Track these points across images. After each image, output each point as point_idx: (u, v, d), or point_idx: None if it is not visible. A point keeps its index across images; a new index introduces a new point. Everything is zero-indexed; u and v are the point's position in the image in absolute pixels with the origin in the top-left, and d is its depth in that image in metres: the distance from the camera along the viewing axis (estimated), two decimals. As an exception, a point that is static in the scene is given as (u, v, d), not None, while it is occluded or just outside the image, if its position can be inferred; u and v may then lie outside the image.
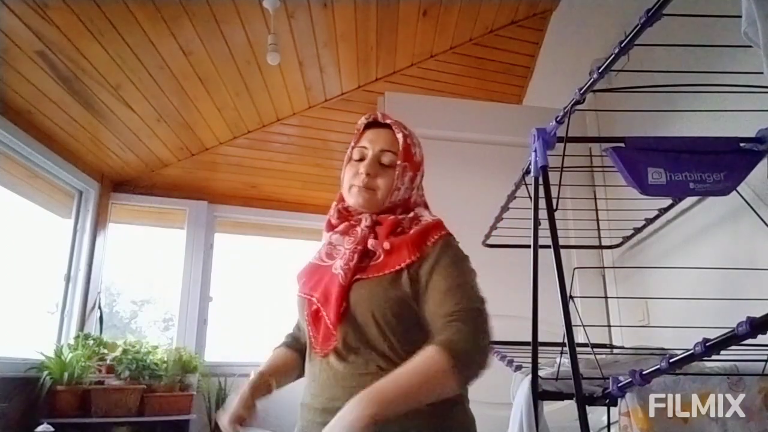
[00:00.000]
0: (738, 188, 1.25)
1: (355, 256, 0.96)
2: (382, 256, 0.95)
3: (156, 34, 2.28)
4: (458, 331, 0.85)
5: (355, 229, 1.01)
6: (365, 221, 1.01)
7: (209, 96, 2.79)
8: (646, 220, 1.78)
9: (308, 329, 0.98)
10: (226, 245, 3.63)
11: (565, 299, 1.13)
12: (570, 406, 1.07)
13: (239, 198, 3.62)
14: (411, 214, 1.03)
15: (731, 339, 0.77)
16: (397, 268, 0.93)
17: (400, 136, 1.03)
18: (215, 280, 3.47)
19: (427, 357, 0.82)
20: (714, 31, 1.48)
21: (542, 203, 1.28)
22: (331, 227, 1.07)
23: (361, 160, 1.03)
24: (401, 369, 0.82)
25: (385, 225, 0.99)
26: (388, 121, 1.05)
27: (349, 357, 0.91)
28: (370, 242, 0.97)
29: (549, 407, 1.27)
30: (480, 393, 1.45)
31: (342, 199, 1.08)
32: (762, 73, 0.81)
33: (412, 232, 0.97)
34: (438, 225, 0.99)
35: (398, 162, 1.02)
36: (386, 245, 0.96)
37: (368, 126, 1.07)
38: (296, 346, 1.11)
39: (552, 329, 1.30)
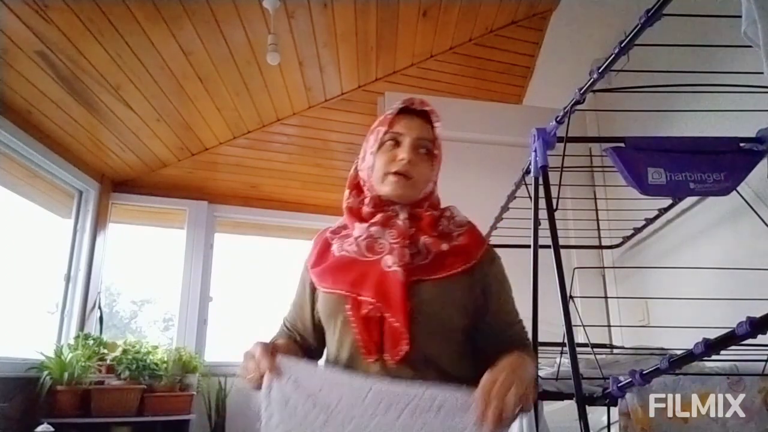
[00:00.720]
0: (738, 188, 1.25)
1: (407, 252, 0.88)
2: (432, 256, 0.90)
3: (156, 34, 2.28)
4: (530, 346, 0.93)
5: (394, 222, 0.92)
6: (403, 213, 0.94)
7: (209, 96, 2.79)
8: (646, 220, 1.78)
9: (353, 332, 0.86)
10: (226, 245, 3.63)
11: (565, 299, 1.13)
12: (570, 406, 1.07)
13: (239, 198, 3.62)
14: (446, 212, 0.99)
15: (731, 339, 0.77)
16: (460, 270, 0.89)
17: (438, 125, 0.98)
18: (215, 280, 3.47)
19: (532, 363, 0.85)
20: (714, 31, 1.48)
21: (542, 203, 1.29)
22: (362, 218, 0.95)
23: (396, 146, 0.96)
24: (519, 358, 0.80)
25: (427, 220, 0.94)
26: (426, 108, 0.99)
27: (414, 364, 0.83)
28: (423, 240, 0.91)
29: (549, 407, 1.27)
30: (480, 393, 1.45)
31: (358, 188, 1.00)
32: (762, 73, 0.81)
33: (465, 234, 0.95)
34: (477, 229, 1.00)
35: (435, 152, 0.98)
36: (444, 246, 0.91)
37: (400, 111, 0.99)
38: (302, 345, 1.00)
39: (552, 329, 1.30)
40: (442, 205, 1.03)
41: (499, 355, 0.82)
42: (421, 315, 0.84)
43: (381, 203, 0.96)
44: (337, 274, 0.91)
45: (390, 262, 0.87)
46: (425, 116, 0.99)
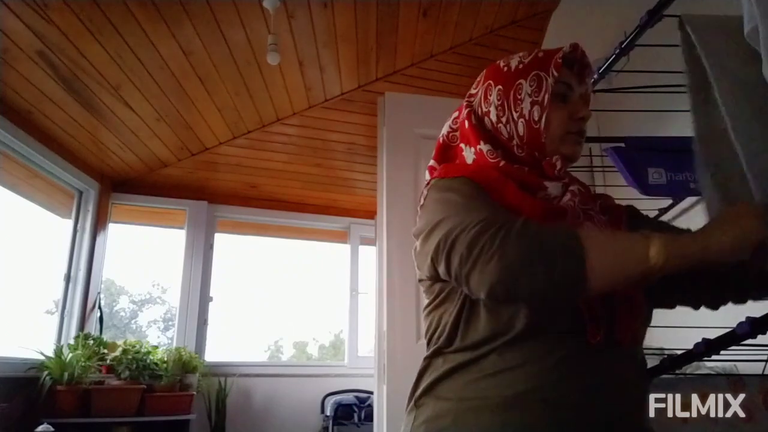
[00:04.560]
0: (738, 188, 1.25)
1: (602, 217, 0.81)
2: (610, 221, 0.83)
3: (156, 34, 2.28)
4: None
5: (569, 187, 0.81)
6: (567, 178, 0.83)
7: (209, 96, 2.79)
8: (646, 220, 1.78)
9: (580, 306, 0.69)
10: (226, 245, 3.63)
11: (566, 299, 1.13)
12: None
13: (239, 198, 3.62)
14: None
15: (731, 339, 0.77)
16: (626, 225, 0.84)
17: (590, 81, 0.87)
18: (215, 280, 3.47)
19: None
20: (714, 31, 1.48)
21: (542, 203, 1.28)
22: (549, 177, 0.80)
23: (563, 99, 0.82)
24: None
25: (585, 186, 0.86)
26: (587, 61, 0.85)
27: (634, 346, 0.75)
28: (599, 203, 0.84)
29: (549, 407, 1.27)
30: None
31: (494, 141, 0.82)
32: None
33: (599, 195, 0.89)
34: None
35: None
36: (608, 201, 0.87)
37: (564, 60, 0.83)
38: None
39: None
40: None
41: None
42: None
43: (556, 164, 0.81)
44: (551, 220, 0.74)
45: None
46: (578, 69, 0.85)
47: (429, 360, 0.77)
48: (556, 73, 0.79)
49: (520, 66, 0.83)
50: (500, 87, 0.83)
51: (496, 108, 0.82)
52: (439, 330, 0.76)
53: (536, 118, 0.79)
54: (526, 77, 0.81)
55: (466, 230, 0.67)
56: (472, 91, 0.88)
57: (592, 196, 0.84)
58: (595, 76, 1.15)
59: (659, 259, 0.62)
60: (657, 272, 0.63)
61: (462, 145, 0.86)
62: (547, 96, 0.79)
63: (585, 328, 0.68)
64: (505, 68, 0.84)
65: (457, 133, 0.88)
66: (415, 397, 0.76)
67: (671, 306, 0.87)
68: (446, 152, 0.89)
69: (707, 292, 0.83)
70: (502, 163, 0.80)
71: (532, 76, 0.81)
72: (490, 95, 0.83)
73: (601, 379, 0.67)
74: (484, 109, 0.84)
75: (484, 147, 0.82)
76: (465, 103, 0.88)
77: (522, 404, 0.66)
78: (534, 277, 0.63)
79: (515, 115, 0.80)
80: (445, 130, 0.90)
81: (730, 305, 0.79)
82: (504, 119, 0.81)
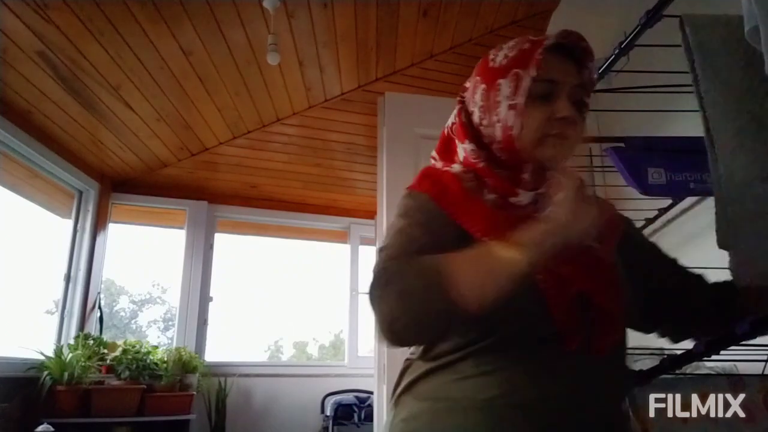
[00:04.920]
0: (738, 188, 1.25)
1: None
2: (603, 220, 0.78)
3: (156, 34, 2.28)
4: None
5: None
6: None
7: (209, 96, 2.79)
8: (646, 220, 1.78)
9: (539, 311, 0.68)
10: (226, 245, 3.63)
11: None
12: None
13: (239, 198, 3.62)
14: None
15: (731, 339, 0.77)
16: (617, 238, 0.80)
17: (592, 66, 0.78)
18: (215, 280, 3.47)
19: None
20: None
21: (542, 203, 1.28)
22: (521, 184, 0.76)
23: (546, 98, 0.75)
24: None
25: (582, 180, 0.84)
26: (584, 45, 0.77)
27: (618, 355, 0.74)
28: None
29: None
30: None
31: (477, 141, 0.79)
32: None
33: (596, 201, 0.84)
34: None
35: (587, 101, 0.79)
36: (608, 207, 0.81)
37: (550, 49, 0.76)
38: None
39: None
40: None
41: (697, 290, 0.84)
42: (625, 297, 0.73)
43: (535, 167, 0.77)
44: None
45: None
46: (577, 55, 0.77)
47: (410, 360, 0.78)
48: (534, 73, 0.73)
49: (504, 62, 0.78)
50: (484, 86, 0.80)
51: (479, 109, 0.80)
52: None
53: (510, 124, 0.75)
54: (506, 76, 0.77)
55: (373, 278, 0.70)
56: (466, 85, 0.87)
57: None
58: (595, 76, 1.15)
59: (518, 259, 0.62)
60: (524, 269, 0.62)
61: (457, 141, 0.85)
62: (522, 99, 0.75)
63: (562, 337, 0.67)
64: (491, 63, 0.80)
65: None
66: (396, 394, 0.77)
67: (646, 330, 0.89)
68: (448, 145, 0.88)
69: (680, 324, 0.87)
70: (481, 165, 0.78)
71: (512, 75, 0.76)
72: (476, 94, 0.81)
73: (575, 386, 0.66)
74: (471, 108, 0.82)
75: (468, 146, 0.80)
76: (459, 98, 0.87)
77: (495, 408, 0.65)
78: (409, 323, 0.64)
79: (494, 119, 0.77)
80: (449, 121, 0.89)
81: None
82: (485, 122, 0.79)
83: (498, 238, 0.66)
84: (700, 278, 0.88)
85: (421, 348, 0.76)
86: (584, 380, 0.67)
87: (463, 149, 0.81)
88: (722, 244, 0.71)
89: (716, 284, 0.86)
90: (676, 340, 0.87)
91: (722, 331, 0.80)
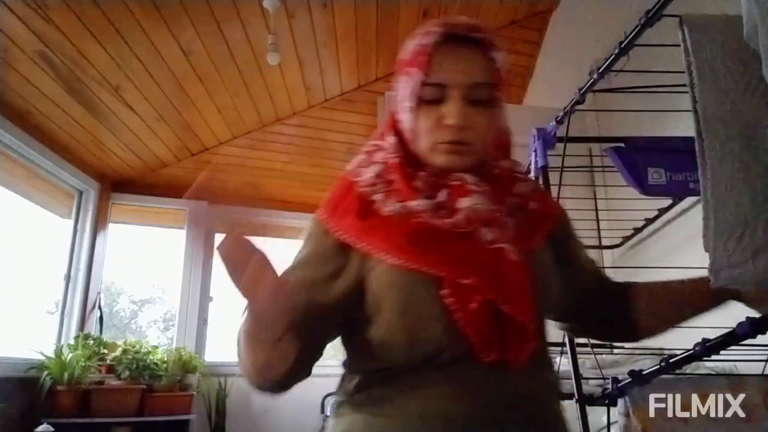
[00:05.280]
0: (738, 188, 1.25)
1: (508, 221, 0.69)
2: (523, 217, 0.73)
3: (156, 34, 2.28)
4: None
5: (465, 188, 0.70)
6: (470, 179, 0.70)
7: (209, 96, 2.79)
8: (646, 220, 1.78)
9: (451, 327, 0.63)
10: (226, 245, 3.63)
11: (565, 299, 1.13)
12: (570, 406, 1.07)
13: (239, 198, 3.62)
14: (507, 162, 0.78)
15: (731, 339, 0.77)
16: (545, 234, 0.75)
17: (498, 56, 0.69)
18: (215, 280, 3.47)
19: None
20: (714, 31, 1.48)
21: (542, 203, 1.28)
22: (415, 192, 0.70)
23: (439, 101, 0.69)
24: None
25: (505, 174, 0.75)
26: (479, 36, 0.69)
27: (536, 364, 0.68)
28: (510, 200, 0.73)
29: (549, 407, 1.27)
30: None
31: (401, 136, 0.74)
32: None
33: (530, 185, 0.80)
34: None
35: (499, 94, 0.70)
36: (533, 204, 0.75)
37: (440, 43, 0.68)
38: (305, 337, 0.67)
39: (552, 329, 1.30)
40: None
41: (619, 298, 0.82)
42: (538, 300, 0.67)
43: (437, 172, 0.72)
44: (416, 245, 0.65)
45: (490, 236, 0.66)
46: (478, 45, 0.69)
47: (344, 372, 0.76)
48: (421, 77, 0.68)
49: (406, 56, 0.71)
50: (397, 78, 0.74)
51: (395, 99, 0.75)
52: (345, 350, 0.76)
53: (408, 126, 0.72)
54: (403, 73, 0.71)
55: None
56: None
57: (505, 195, 0.73)
58: (595, 75, 1.15)
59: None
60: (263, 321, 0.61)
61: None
62: (411, 104, 0.70)
63: (476, 351, 0.63)
64: (401, 53, 0.73)
65: None
66: (335, 403, 0.75)
67: (578, 334, 0.89)
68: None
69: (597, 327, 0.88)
70: (394, 161, 0.73)
71: (406, 74, 0.70)
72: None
73: (497, 402, 0.63)
74: None
75: (390, 139, 0.75)
76: None
77: (419, 425, 0.63)
78: (253, 383, 0.67)
79: (401, 117, 0.73)
80: None
81: (730, 303, 0.78)
82: (399, 117, 0.74)
83: (401, 255, 0.64)
84: (616, 286, 0.86)
85: (344, 363, 0.75)
86: (505, 394, 0.63)
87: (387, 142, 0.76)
88: (707, 248, 0.71)
89: (625, 293, 0.83)
90: (580, 336, 0.88)
91: (624, 339, 0.83)
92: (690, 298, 0.78)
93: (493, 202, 0.69)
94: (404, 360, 0.65)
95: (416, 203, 0.68)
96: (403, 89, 0.71)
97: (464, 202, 0.67)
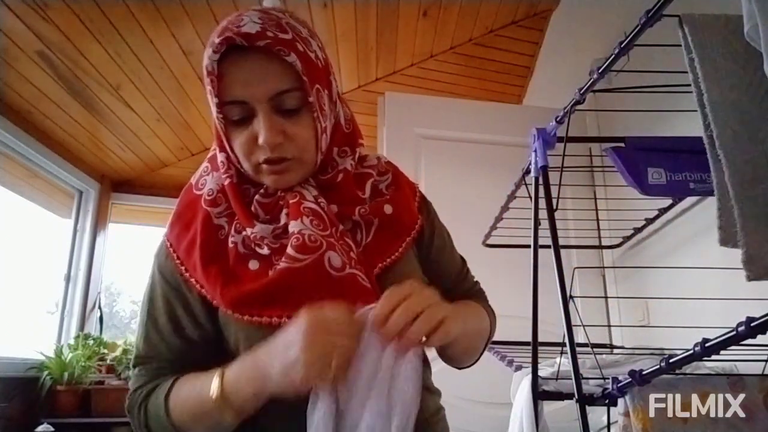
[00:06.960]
0: (738, 188, 1.25)
1: (350, 242, 0.65)
2: (375, 229, 0.69)
3: (156, 34, 2.28)
4: (486, 301, 0.83)
5: (303, 206, 0.65)
6: (309, 193, 0.67)
7: (209, 96, 2.79)
8: (646, 220, 1.78)
9: None
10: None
11: (565, 299, 1.13)
12: (570, 406, 1.07)
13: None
14: (355, 155, 0.73)
15: (731, 339, 0.77)
16: (412, 236, 0.72)
17: (292, 57, 0.61)
18: (215, 280, 3.47)
19: (484, 311, 0.77)
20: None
21: (542, 203, 1.28)
22: (251, 218, 0.66)
23: (249, 118, 0.64)
24: (468, 307, 0.72)
25: (346, 182, 0.70)
26: (260, 44, 0.60)
27: None
28: (358, 210, 0.69)
29: (549, 407, 1.27)
30: (480, 393, 1.45)
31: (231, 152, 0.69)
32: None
33: (392, 181, 0.75)
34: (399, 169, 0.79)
35: (310, 96, 0.63)
36: (388, 209, 0.70)
37: (226, 55, 0.63)
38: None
39: (552, 329, 1.30)
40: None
41: None
42: None
43: (273, 190, 0.68)
44: (259, 297, 0.61)
45: (338, 263, 0.62)
46: (269, 51, 0.61)
47: None
48: (216, 99, 0.63)
49: (203, 71, 0.65)
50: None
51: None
52: None
53: (226, 144, 0.68)
54: (206, 86, 0.65)
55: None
56: None
57: (352, 206, 0.69)
58: (595, 75, 1.15)
59: (216, 393, 0.57)
60: (225, 409, 0.57)
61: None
62: (220, 121, 0.65)
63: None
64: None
65: None
66: None
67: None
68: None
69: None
70: (227, 182, 0.70)
71: (208, 92, 0.65)
72: None
73: None
74: None
75: (220, 157, 0.71)
76: None
77: None
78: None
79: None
80: None
81: (730, 303, 0.79)
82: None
83: (245, 311, 0.60)
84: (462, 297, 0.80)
85: None
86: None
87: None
88: (724, 242, 0.71)
89: None
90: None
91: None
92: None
93: (332, 221, 0.65)
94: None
95: (255, 230, 0.64)
96: (212, 107, 0.65)
97: (295, 226, 0.62)
